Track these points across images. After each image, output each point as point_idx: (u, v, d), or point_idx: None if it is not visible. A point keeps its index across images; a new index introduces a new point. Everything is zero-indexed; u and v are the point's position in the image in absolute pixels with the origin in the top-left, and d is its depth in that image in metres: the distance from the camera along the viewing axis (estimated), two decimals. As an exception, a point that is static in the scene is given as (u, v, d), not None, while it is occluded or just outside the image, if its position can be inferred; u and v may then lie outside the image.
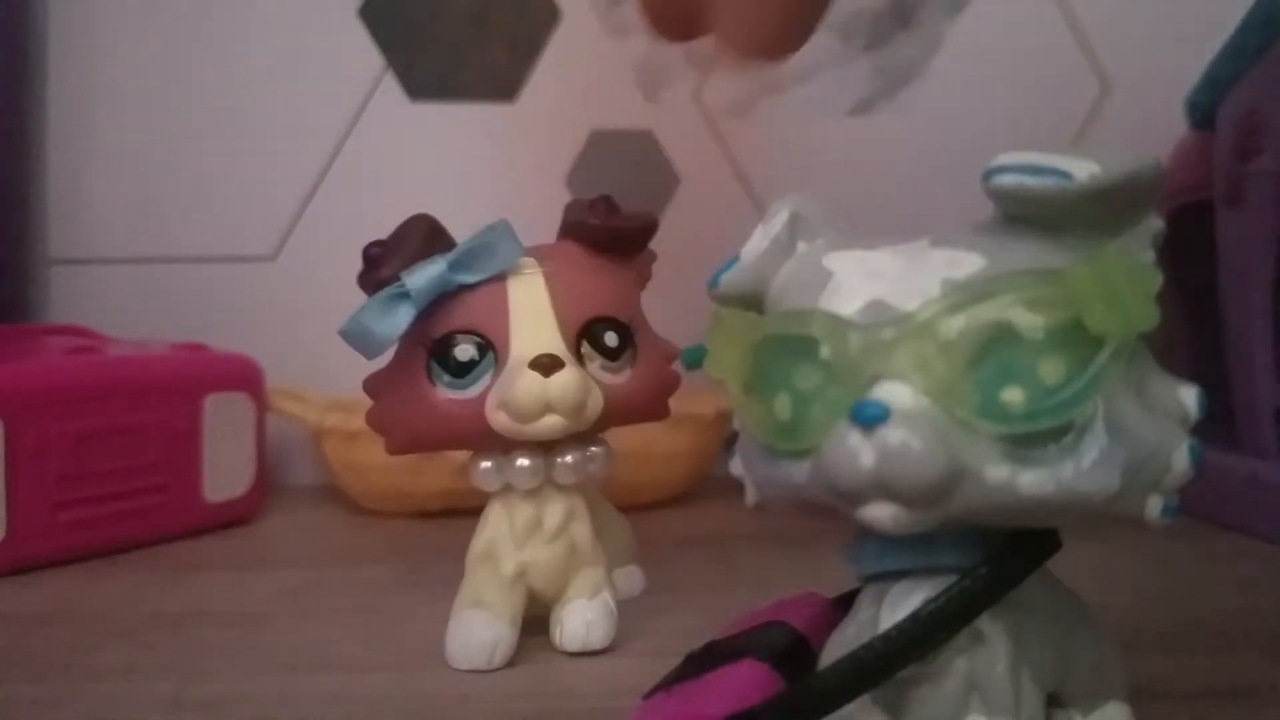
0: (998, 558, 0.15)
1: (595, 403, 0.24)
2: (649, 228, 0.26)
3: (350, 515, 0.41)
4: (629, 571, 0.29)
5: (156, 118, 0.48)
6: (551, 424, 0.23)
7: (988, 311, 0.14)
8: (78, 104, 0.47)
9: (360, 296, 0.24)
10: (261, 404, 0.40)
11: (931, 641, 0.15)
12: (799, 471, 0.16)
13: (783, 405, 0.16)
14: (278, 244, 0.48)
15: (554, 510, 0.24)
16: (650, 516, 0.39)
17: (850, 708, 0.16)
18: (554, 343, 0.23)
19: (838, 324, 0.15)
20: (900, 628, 0.15)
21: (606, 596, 0.25)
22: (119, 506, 0.34)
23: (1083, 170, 0.14)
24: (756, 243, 0.18)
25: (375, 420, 0.25)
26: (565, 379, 0.23)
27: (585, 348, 0.24)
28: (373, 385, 0.25)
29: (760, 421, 0.16)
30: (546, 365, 0.23)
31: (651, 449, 0.40)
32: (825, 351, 0.15)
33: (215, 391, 0.38)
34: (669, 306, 0.29)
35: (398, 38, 0.48)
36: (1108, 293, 0.14)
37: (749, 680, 0.17)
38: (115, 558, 0.34)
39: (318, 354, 0.38)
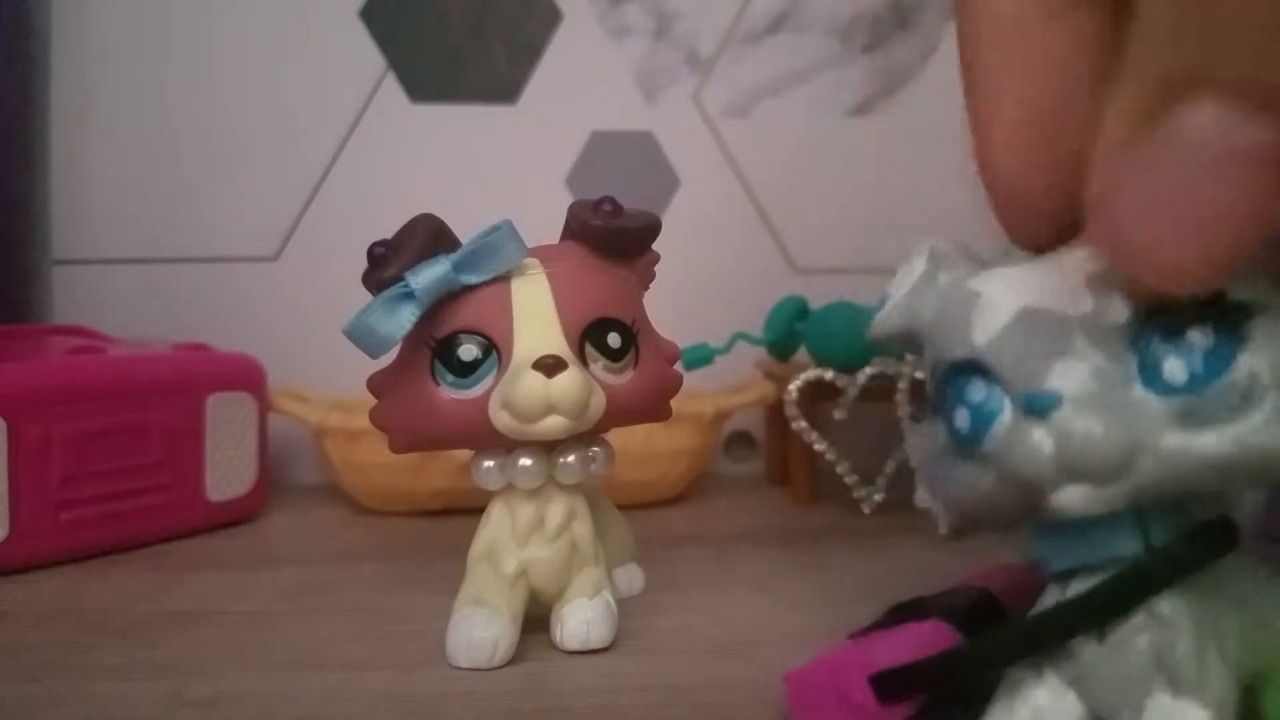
0: (1169, 545, 0.16)
1: (598, 403, 0.24)
2: (652, 229, 0.26)
3: (352, 514, 0.41)
4: (629, 570, 0.29)
5: (159, 118, 0.48)
6: (554, 424, 0.23)
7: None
8: (80, 105, 0.47)
9: (363, 296, 0.24)
10: (264, 404, 0.40)
11: (1090, 619, 0.16)
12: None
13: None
14: (280, 244, 0.48)
15: (555, 509, 0.25)
16: (650, 516, 0.39)
17: (1028, 679, 0.17)
18: (557, 343, 0.24)
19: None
20: (1060, 604, 0.16)
21: (607, 596, 0.25)
22: (121, 506, 0.34)
23: None
24: (900, 282, 0.18)
25: (379, 419, 0.25)
26: (568, 380, 0.23)
27: (588, 349, 0.24)
28: (376, 384, 0.25)
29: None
30: (549, 366, 0.23)
31: (651, 448, 0.40)
32: None
33: (217, 391, 0.38)
34: (670, 307, 0.29)
35: (399, 39, 0.49)
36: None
37: (926, 637, 0.19)
38: (117, 557, 0.34)
39: (320, 354, 0.38)
